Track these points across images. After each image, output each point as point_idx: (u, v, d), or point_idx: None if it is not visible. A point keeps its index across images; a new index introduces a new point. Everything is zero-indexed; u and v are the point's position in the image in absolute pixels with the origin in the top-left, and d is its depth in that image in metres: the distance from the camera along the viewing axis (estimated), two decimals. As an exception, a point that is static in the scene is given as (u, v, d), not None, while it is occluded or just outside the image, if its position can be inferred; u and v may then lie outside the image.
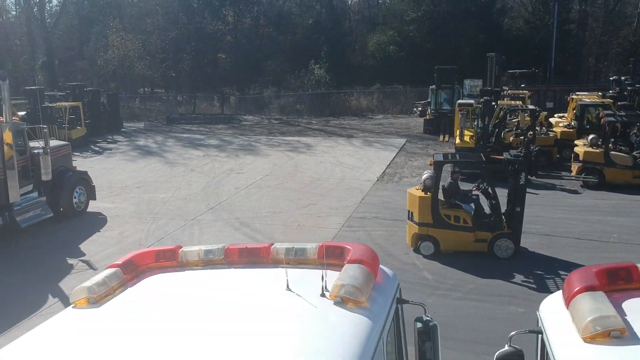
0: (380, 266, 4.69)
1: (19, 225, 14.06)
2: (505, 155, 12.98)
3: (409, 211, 13.24)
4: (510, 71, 36.26)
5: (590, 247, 13.34)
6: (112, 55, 45.24)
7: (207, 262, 4.76)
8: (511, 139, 22.88)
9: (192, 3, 51.63)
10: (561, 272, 11.81)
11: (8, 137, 13.47)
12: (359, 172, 21.77)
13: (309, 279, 4.13)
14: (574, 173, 19.37)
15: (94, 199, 17.01)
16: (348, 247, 4.64)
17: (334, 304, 3.89)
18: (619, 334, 3.43)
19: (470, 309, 10.32)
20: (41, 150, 14.63)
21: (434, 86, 31.27)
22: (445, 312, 9.94)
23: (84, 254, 13.33)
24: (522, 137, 22.53)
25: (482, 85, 37.62)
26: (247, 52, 49.90)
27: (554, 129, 24.20)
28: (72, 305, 4.17)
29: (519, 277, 11.66)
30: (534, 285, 11.31)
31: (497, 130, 22.67)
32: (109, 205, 17.56)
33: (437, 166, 12.82)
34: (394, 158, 24.40)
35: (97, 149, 27.89)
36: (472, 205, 13.04)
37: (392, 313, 4.35)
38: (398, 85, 41.18)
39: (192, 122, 37.60)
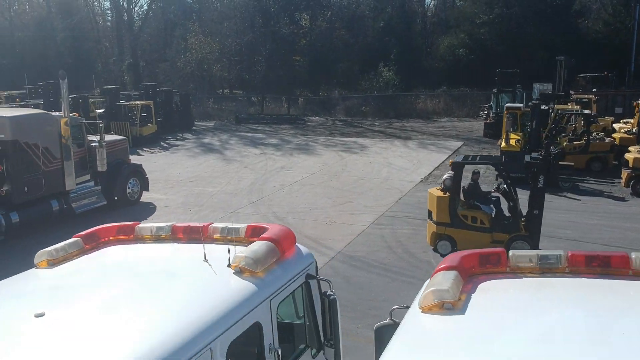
0: (297, 245, 5.37)
1: (74, 211, 15.57)
2: (525, 158, 13.03)
3: (429, 210, 13.56)
4: (581, 75, 35.10)
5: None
6: (190, 57, 47.62)
7: (157, 237, 5.51)
8: (565, 144, 22.48)
9: (269, 7, 53.24)
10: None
11: (65, 131, 14.95)
12: (405, 173, 22.07)
13: (225, 253, 4.70)
14: (623, 180, 18.81)
15: (147, 190, 18.41)
16: (268, 227, 5.29)
17: (233, 273, 4.58)
18: (450, 306, 3.88)
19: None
20: (97, 144, 16.15)
21: (495, 90, 30.89)
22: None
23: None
24: (575, 143, 22.19)
25: (552, 90, 36.82)
26: (319, 55, 50.98)
27: (614, 135, 23.44)
28: (35, 266, 5.07)
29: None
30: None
31: (551, 134, 22.34)
32: (161, 196, 18.93)
33: (456, 167, 13.07)
34: (444, 160, 24.45)
35: (165, 145, 29.71)
36: (492, 206, 13.18)
37: (292, 285, 5.00)
38: (465, 88, 40.81)
39: (260, 122, 39.02)
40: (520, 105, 21.93)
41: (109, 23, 62.16)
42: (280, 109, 43.63)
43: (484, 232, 12.88)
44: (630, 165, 18.52)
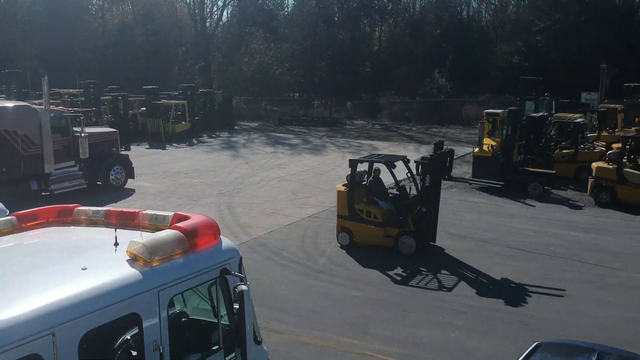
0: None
1: (52, 191, 17.89)
2: (416, 159, 13.58)
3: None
4: (627, 84, 33.49)
5: (507, 255, 13.30)
6: (252, 61, 50.20)
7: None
8: (556, 152, 22.14)
9: (333, 14, 54.80)
10: (445, 272, 12.20)
11: (45, 122, 17.27)
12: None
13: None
14: (588, 189, 18.41)
15: (132, 177, 20.48)
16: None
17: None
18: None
19: (322, 289, 11.39)
20: (80, 134, 18.42)
21: (518, 98, 30.45)
22: (296, 289, 11.26)
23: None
24: (565, 151, 21.82)
25: (597, 98, 35.40)
26: (380, 61, 51.84)
27: (614, 146, 22.62)
28: None
29: (396, 271, 12.33)
30: (398, 277, 11.94)
31: (543, 142, 22.08)
32: (147, 184, 20.97)
33: (352, 164, 13.88)
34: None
35: (194, 142, 32.04)
36: (390, 203, 13.81)
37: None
38: (510, 95, 39.99)
39: (302, 123, 40.60)
40: (500, 111, 21.79)
41: (191, 29, 66.11)
42: (328, 112, 44.93)
43: (377, 226, 13.57)
44: (594, 173, 18.13)
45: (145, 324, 4.19)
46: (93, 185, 19.50)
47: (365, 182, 14.13)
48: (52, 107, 18.51)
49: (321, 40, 52.52)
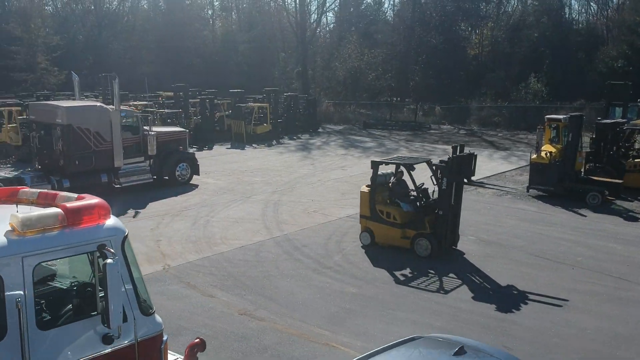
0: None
1: (120, 184, 19.70)
2: (434, 162, 13.61)
3: (363, 205, 14.77)
4: None
5: (526, 263, 12.99)
6: (345, 66, 51.09)
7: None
8: (628, 161, 20.94)
9: (429, 18, 54.38)
10: (452, 275, 12.22)
11: (115, 121, 19.09)
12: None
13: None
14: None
15: (197, 174, 21.96)
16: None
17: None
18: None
19: (321, 284, 11.84)
20: (149, 133, 20.15)
21: (604, 103, 28.76)
22: (297, 282, 11.86)
23: (144, 207, 18.18)
24: (637, 160, 20.63)
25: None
26: (475, 65, 50.78)
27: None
28: None
29: (404, 271, 12.51)
30: (401, 278, 12.12)
31: (615, 150, 21.00)
32: (212, 181, 22.38)
33: (373, 166, 14.18)
34: (509, 170, 24.26)
35: (274, 143, 33.39)
36: (411, 205, 13.96)
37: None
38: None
39: (387, 127, 40.82)
40: (562, 117, 20.83)
41: (292, 35, 68.23)
42: (417, 116, 44.69)
43: (396, 227, 13.78)
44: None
45: (6, 284, 4.80)
46: (160, 180, 21.17)
47: (390, 183, 14.37)
48: (124, 107, 20.39)
49: (416, 45, 52.35)
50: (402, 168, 14.27)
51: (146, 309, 5.83)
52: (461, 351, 5.32)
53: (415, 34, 52.90)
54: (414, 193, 14.13)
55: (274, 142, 33.63)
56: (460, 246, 14.06)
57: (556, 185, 19.20)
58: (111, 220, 5.65)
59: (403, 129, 40.05)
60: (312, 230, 15.77)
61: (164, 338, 6.01)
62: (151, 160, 20.79)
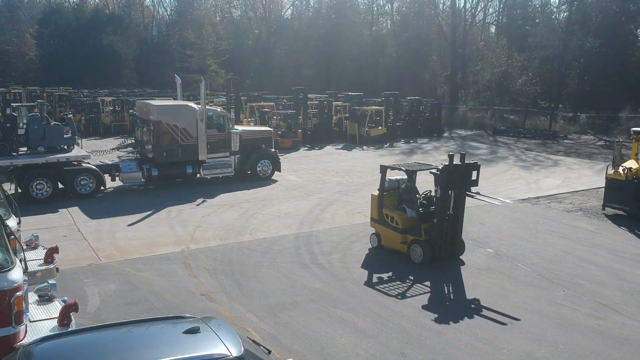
0: None
1: (203, 175, 22.01)
2: (432, 170, 13.49)
3: (379, 209, 15.11)
4: None
5: (519, 280, 12.40)
6: (492, 70, 49.36)
7: None
8: None
9: (588, 20, 50.30)
10: (427, 283, 12.21)
11: (201, 119, 21.40)
12: (528, 189, 21.47)
13: None
14: None
15: (279, 170, 23.59)
16: None
17: None
18: None
19: (295, 278, 12.59)
20: (233, 131, 22.24)
21: None
22: (275, 274, 12.81)
23: (213, 197, 20.19)
24: None
25: None
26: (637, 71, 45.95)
27: None
28: None
29: (382, 274, 12.75)
30: (374, 280, 12.38)
31: None
32: (293, 178, 23.86)
33: (382, 170, 14.45)
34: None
35: (385, 145, 33.87)
36: (415, 211, 14.02)
37: None
38: None
39: (516, 135, 38.91)
40: (648, 129, 18.55)
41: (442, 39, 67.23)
42: (551, 124, 41.84)
43: (397, 232, 13.97)
44: None
45: None
46: (244, 174, 23.13)
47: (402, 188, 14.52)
48: (211, 107, 22.69)
49: (573, 49, 48.79)
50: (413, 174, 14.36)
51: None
52: (194, 330, 5.97)
53: (573, 37, 49.29)
54: (420, 200, 14.14)
55: (386, 145, 34.14)
56: (467, 257, 13.80)
57: (632, 204, 17.46)
58: None
59: (535, 137, 37.89)
60: (339, 229, 16.41)
61: (18, 293, 7.46)
62: (236, 156, 22.84)
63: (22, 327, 7.46)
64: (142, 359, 5.41)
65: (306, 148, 32.85)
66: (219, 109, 23.30)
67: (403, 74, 58.73)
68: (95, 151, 24.46)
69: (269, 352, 6.74)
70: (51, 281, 9.33)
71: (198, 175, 22.19)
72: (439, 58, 60.70)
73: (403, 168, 14.09)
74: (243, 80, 67.39)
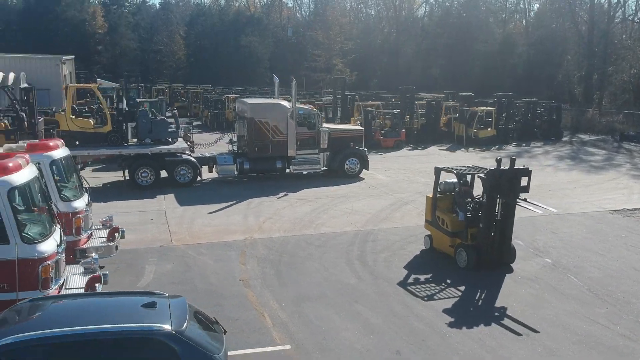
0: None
1: (291, 170, 23.06)
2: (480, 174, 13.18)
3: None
4: None
5: (563, 293, 11.85)
6: (629, 71, 45.62)
7: None
8: None
9: None
10: (461, 288, 12.10)
11: (291, 117, 22.45)
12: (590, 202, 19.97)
13: None
14: None
15: (367, 169, 24.01)
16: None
17: None
18: None
19: (336, 271, 13.07)
20: (322, 129, 23.09)
21: None
22: (317, 266, 13.39)
23: (296, 191, 21.13)
24: None
25: None
26: None
27: None
28: None
29: (419, 275, 12.81)
30: (408, 280, 12.49)
31: None
32: (380, 176, 24.16)
33: (436, 172, 14.39)
34: None
35: (493, 148, 32.73)
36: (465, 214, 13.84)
37: None
38: None
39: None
40: None
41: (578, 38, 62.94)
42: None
43: (447, 235, 13.90)
44: None
45: None
46: (334, 170, 23.83)
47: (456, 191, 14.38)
48: (303, 106, 23.67)
49: None
50: (468, 178, 14.19)
51: (28, 239, 8.65)
52: (150, 304, 6.75)
53: None
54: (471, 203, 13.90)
55: (495, 147, 33.03)
56: (519, 265, 13.38)
57: None
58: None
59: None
60: (403, 229, 16.53)
61: (47, 262, 8.75)
62: (325, 154, 23.62)
63: (49, 292, 8.76)
64: (88, 325, 6.27)
65: (409, 148, 32.80)
66: (310, 108, 24.20)
67: (534, 74, 56.02)
68: (198, 144, 26.44)
69: (225, 332, 7.36)
70: (95, 256, 10.74)
71: (287, 170, 23.28)
72: (574, 57, 56.96)
73: (454, 171, 13.95)
74: (370, 79, 68.32)
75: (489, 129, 33.73)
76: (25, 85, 33.87)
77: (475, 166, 14.63)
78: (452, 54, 63.51)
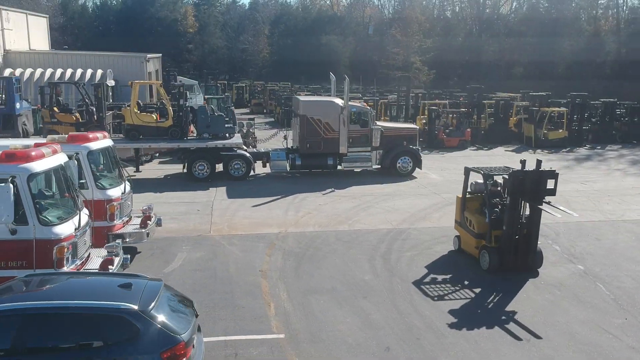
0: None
1: (343, 168, 23.31)
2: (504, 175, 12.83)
3: (468, 211, 14.85)
4: None
5: (585, 302, 11.38)
6: None
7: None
8: None
9: None
10: (476, 290, 11.92)
11: (343, 115, 22.67)
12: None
13: None
14: None
15: (420, 168, 23.80)
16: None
17: None
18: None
19: (354, 267, 13.24)
20: (374, 127, 23.19)
21: None
22: (334, 262, 13.62)
23: (344, 188, 21.37)
24: None
25: None
26: None
27: None
28: None
29: (437, 275, 12.72)
30: (425, 279, 12.43)
31: None
32: (433, 175, 23.91)
33: (465, 172, 14.17)
34: None
35: (563, 150, 31.32)
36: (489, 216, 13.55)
37: None
38: None
39: None
40: None
41: None
42: None
43: (474, 236, 13.69)
44: None
45: None
46: (386, 169, 23.83)
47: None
48: (356, 104, 23.81)
49: None
50: (497, 179, 13.88)
51: (45, 222, 9.46)
52: (126, 285, 7.28)
53: None
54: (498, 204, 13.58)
55: (565, 149, 31.63)
56: (547, 271, 12.96)
57: None
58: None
59: None
60: (437, 229, 16.35)
61: (62, 243, 9.54)
62: (378, 152, 23.67)
63: (63, 270, 9.57)
64: (66, 300, 6.88)
65: (474, 148, 32.08)
66: (363, 105, 24.32)
67: (627, 74, 52.87)
68: (260, 140, 27.25)
69: (197, 315, 7.77)
70: (118, 241, 11.52)
71: (339, 167, 23.54)
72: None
73: (482, 171, 13.68)
74: (450, 78, 67.07)
75: (560, 131, 32.30)
76: (112, 81, 36.30)
77: (507, 167, 14.23)
78: (537, 52, 61.19)
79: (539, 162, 12.59)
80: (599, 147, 32.84)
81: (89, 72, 41.54)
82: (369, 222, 17.02)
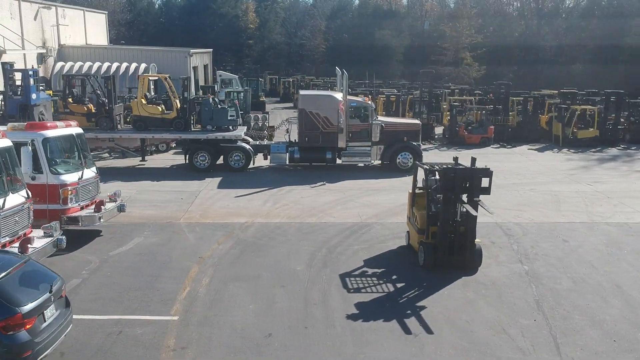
0: (42, 131, 13.21)
1: (342, 162, 23.37)
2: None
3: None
4: None
5: (509, 304, 11.08)
6: None
7: None
8: None
9: None
10: (398, 285, 11.85)
11: (342, 109, 22.74)
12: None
13: None
14: None
15: (420, 163, 23.52)
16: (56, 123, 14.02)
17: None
18: None
19: (296, 255, 13.41)
20: (374, 122, 23.13)
21: None
22: (278, 251, 13.87)
23: (335, 182, 21.47)
24: None
25: None
26: None
27: None
28: None
29: (369, 270, 12.69)
30: (352, 272, 12.44)
31: None
32: (434, 173, 23.48)
33: (414, 167, 14.06)
34: None
35: (592, 150, 29.88)
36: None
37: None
38: None
39: None
40: None
41: None
42: None
43: (417, 232, 13.51)
44: None
45: None
46: (386, 163, 23.72)
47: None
48: (355, 98, 23.76)
49: None
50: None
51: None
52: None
53: None
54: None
55: (595, 149, 30.19)
56: (486, 270, 12.63)
57: None
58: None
59: None
60: (402, 225, 15.86)
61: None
62: (379, 147, 23.57)
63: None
64: None
65: (496, 146, 31.19)
66: (363, 100, 24.25)
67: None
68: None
69: (51, 292, 8.25)
70: (54, 222, 12.26)
71: (338, 161, 23.63)
72: None
73: (425, 167, 13.50)
74: (504, 74, 65.13)
75: (590, 129, 30.87)
76: (156, 75, 37.75)
77: (458, 163, 13.93)
78: (598, 49, 58.49)
79: (473, 160, 12.32)
80: (634, 148, 31.13)
81: (133, 65, 43.45)
82: (338, 216, 17.09)
